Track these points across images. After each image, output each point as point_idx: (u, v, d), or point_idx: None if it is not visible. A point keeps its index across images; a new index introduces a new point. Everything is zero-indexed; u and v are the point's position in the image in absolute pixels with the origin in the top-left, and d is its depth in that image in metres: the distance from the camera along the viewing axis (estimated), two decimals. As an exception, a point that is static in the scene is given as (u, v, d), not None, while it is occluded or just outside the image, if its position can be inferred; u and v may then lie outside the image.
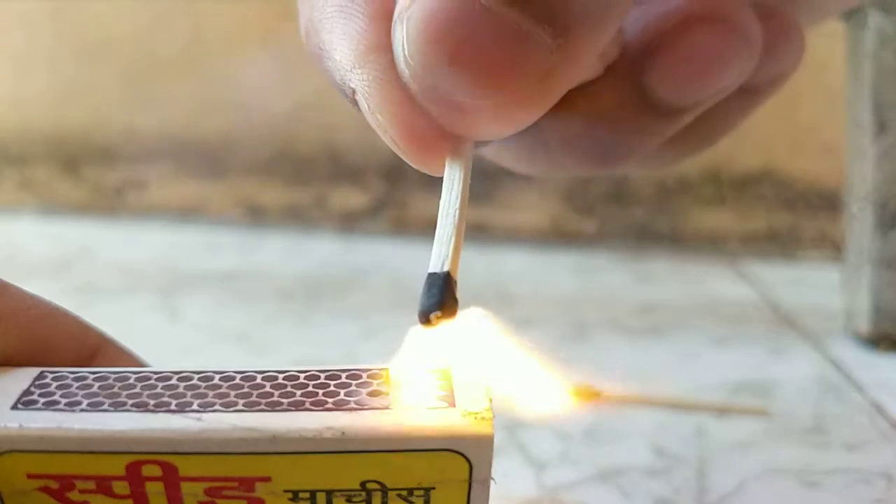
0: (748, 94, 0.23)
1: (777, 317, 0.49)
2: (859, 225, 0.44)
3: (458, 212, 0.18)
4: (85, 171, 0.69)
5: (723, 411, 0.36)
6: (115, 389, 0.17)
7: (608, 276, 0.57)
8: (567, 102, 0.21)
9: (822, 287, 0.52)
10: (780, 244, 0.61)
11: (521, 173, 0.27)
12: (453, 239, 0.17)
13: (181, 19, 0.66)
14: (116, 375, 0.17)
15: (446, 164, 0.18)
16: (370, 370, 0.17)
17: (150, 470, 0.16)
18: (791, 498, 0.30)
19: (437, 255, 0.17)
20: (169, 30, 0.66)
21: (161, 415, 0.16)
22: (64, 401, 0.16)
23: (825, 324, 0.46)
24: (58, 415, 0.16)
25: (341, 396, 0.16)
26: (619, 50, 0.22)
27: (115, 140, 0.68)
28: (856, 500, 0.30)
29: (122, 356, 0.20)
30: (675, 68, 0.21)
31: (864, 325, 0.44)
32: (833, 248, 0.58)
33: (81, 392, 0.17)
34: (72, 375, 0.17)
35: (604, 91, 0.22)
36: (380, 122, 0.18)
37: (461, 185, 0.18)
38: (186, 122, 0.67)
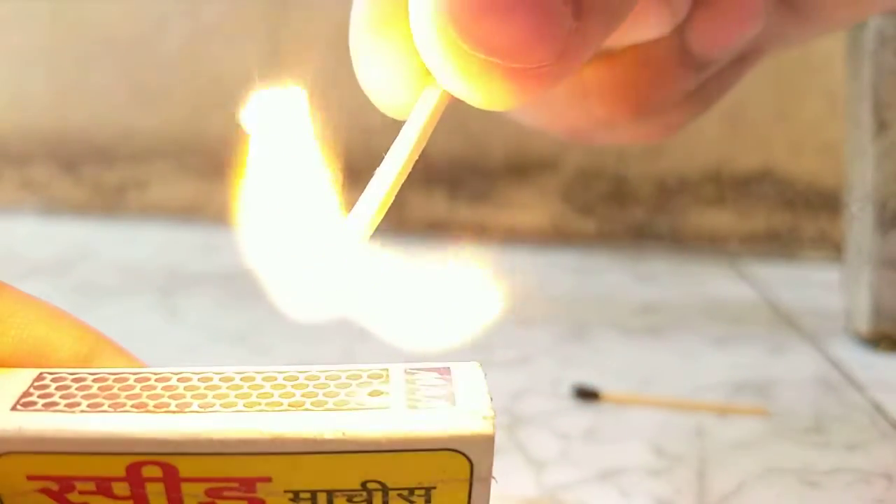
0: (738, 63, 0.27)
1: (777, 317, 0.49)
2: (859, 225, 0.44)
3: (399, 169, 0.18)
4: (85, 170, 0.69)
5: (723, 411, 0.36)
6: (115, 390, 0.17)
7: (608, 276, 0.57)
8: (614, 51, 0.24)
9: (822, 287, 0.52)
10: (780, 244, 0.61)
11: (537, 128, 0.28)
12: (379, 202, 0.17)
13: (181, 19, 0.66)
14: (115, 376, 0.17)
15: (415, 109, 0.18)
16: (370, 370, 0.17)
17: (150, 471, 0.16)
18: (791, 498, 0.30)
19: (359, 215, 0.17)
20: (169, 30, 0.66)
21: (161, 415, 0.16)
22: (63, 402, 0.16)
23: (825, 324, 0.46)
24: (57, 416, 0.16)
25: (341, 396, 0.16)
26: (686, 13, 0.25)
27: (115, 140, 0.68)
28: (856, 500, 0.30)
29: (120, 357, 0.20)
30: (713, 21, 0.25)
31: (864, 325, 0.44)
32: (833, 248, 0.58)
33: (81, 393, 0.16)
34: (71, 376, 0.17)
35: (650, 43, 0.25)
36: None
37: (415, 142, 0.18)
38: (186, 122, 0.67)
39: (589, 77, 0.26)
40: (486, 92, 0.17)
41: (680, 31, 0.25)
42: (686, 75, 0.26)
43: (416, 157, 0.18)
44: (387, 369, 0.17)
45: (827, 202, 0.60)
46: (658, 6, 0.24)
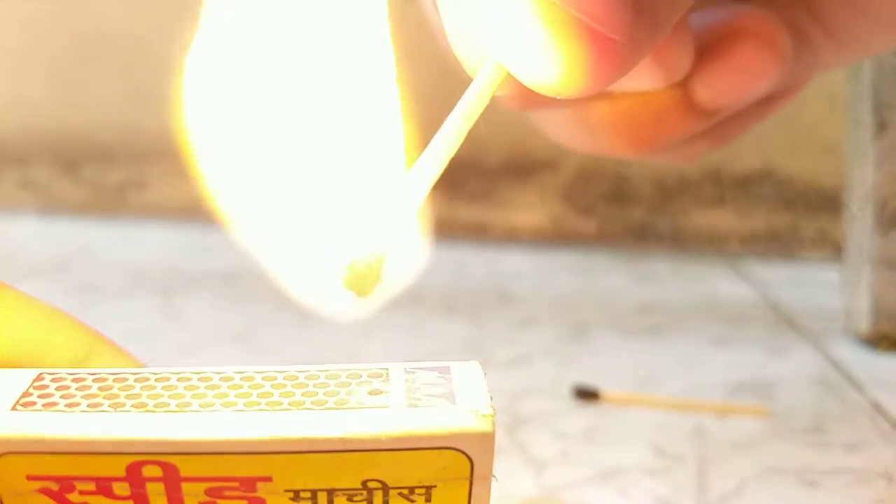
0: (766, 101, 0.26)
1: (777, 317, 0.49)
2: (859, 225, 0.44)
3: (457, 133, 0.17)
4: (85, 171, 0.69)
5: (723, 411, 0.36)
6: (115, 390, 0.17)
7: (608, 276, 0.57)
8: (616, 91, 0.24)
9: (822, 287, 0.52)
10: (780, 244, 0.61)
11: (557, 143, 0.29)
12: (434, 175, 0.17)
13: (181, 19, 0.66)
14: (115, 376, 0.17)
15: (479, 75, 0.18)
16: (370, 369, 0.17)
17: (150, 471, 0.16)
18: (791, 498, 0.30)
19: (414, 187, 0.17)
20: (169, 30, 0.66)
21: (161, 415, 0.16)
22: (63, 402, 0.16)
23: (825, 324, 0.46)
24: (57, 416, 0.16)
25: (341, 395, 0.16)
26: (686, 71, 0.24)
27: (115, 140, 0.68)
28: (856, 500, 0.30)
29: (119, 357, 0.20)
30: (719, 77, 0.24)
31: (863, 325, 0.44)
32: (833, 248, 0.58)
33: (80, 393, 0.16)
34: (70, 377, 0.17)
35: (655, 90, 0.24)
36: None
37: (474, 105, 0.18)
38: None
39: (593, 111, 0.25)
40: (563, 59, 0.17)
41: (684, 79, 0.24)
42: (690, 121, 0.25)
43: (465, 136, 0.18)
44: (386, 368, 0.17)
45: (827, 202, 0.60)
46: (651, 63, 0.23)
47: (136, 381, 0.17)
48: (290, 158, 0.18)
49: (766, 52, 0.24)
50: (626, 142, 0.26)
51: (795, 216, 0.61)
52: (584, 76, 0.17)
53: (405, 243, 0.17)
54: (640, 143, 0.26)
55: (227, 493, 0.16)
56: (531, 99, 0.21)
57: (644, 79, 0.23)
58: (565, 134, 0.27)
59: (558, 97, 0.18)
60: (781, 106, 0.27)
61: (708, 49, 0.24)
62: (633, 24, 0.17)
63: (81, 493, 0.16)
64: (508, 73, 0.18)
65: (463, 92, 0.18)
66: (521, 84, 0.18)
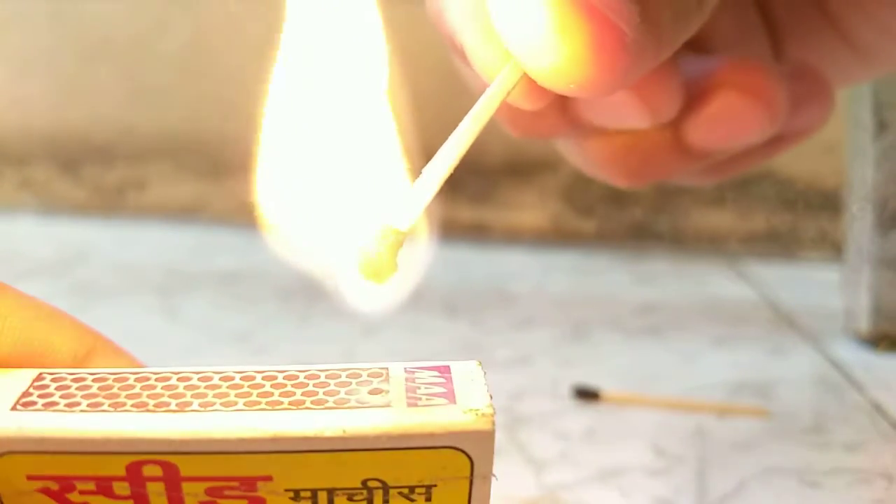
0: (774, 142, 0.26)
1: (777, 317, 0.49)
2: (859, 225, 0.44)
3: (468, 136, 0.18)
4: (84, 170, 0.69)
5: (723, 411, 0.36)
6: (115, 390, 0.17)
7: (608, 276, 0.57)
8: (610, 128, 0.24)
9: (822, 287, 0.52)
10: (780, 244, 0.61)
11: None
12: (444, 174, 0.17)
13: (181, 19, 0.66)
14: (115, 376, 0.17)
15: (497, 78, 0.18)
16: (370, 369, 0.17)
17: (150, 470, 0.16)
18: (791, 498, 0.30)
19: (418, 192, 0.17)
20: (169, 30, 0.66)
21: (161, 415, 0.16)
22: (63, 402, 0.16)
23: (825, 324, 0.46)
24: (57, 416, 0.16)
25: (342, 395, 0.16)
26: (673, 113, 0.24)
27: (114, 140, 0.68)
28: (856, 500, 0.30)
29: (119, 357, 0.20)
30: (706, 124, 0.24)
31: (864, 325, 0.44)
32: (833, 248, 0.58)
33: (80, 393, 0.16)
34: (70, 376, 0.17)
35: (646, 130, 0.24)
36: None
37: (489, 105, 0.18)
38: (186, 122, 0.67)
39: (590, 146, 0.26)
40: (569, 40, 0.18)
41: (674, 121, 0.24)
42: (683, 161, 0.25)
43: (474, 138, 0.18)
44: (386, 368, 0.17)
45: (827, 202, 0.60)
46: (634, 102, 0.23)
47: (136, 380, 0.17)
48: (310, 152, 0.19)
49: (752, 106, 0.24)
50: (621, 176, 0.26)
51: (795, 216, 0.61)
52: (588, 63, 0.18)
53: (415, 236, 0.18)
54: (634, 178, 0.26)
55: (227, 492, 0.16)
56: (534, 123, 0.22)
57: (631, 117, 0.23)
58: (571, 156, 0.28)
59: (565, 91, 0.18)
60: (791, 147, 0.27)
61: (698, 97, 0.24)
62: (638, 25, 0.18)
63: (81, 492, 0.16)
64: (521, 79, 0.18)
65: (463, 93, 0.18)
66: (530, 95, 0.19)
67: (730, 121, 0.24)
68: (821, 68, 0.26)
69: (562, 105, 0.23)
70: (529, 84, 0.19)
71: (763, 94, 0.24)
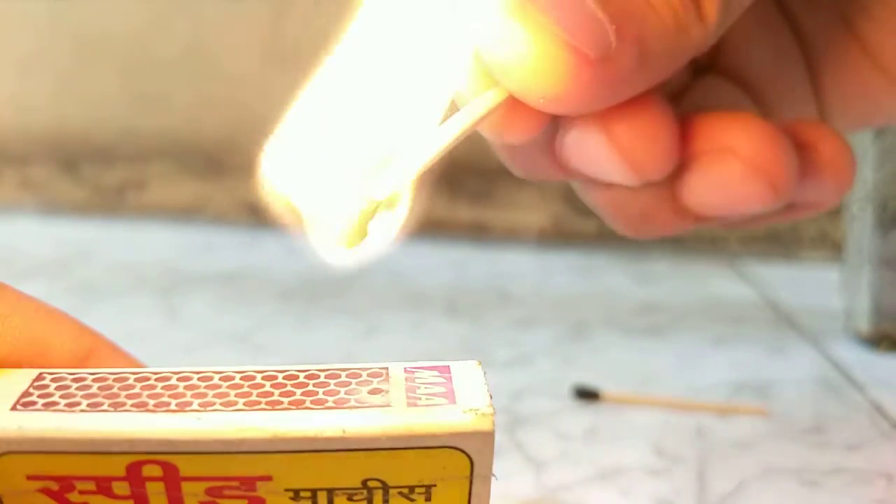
0: (784, 211, 0.24)
1: (777, 317, 0.49)
2: (859, 225, 0.44)
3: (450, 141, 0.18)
4: (85, 171, 0.69)
5: (723, 411, 0.36)
6: (115, 390, 0.17)
7: (608, 276, 0.57)
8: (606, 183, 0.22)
9: (822, 287, 0.52)
10: (780, 244, 0.61)
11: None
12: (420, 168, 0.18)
13: (181, 19, 0.66)
14: (115, 376, 0.17)
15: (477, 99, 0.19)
16: (370, 369, 0.17)
17: (150, 470, 0.16)
18: (791, 498, 0.30)
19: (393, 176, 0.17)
20: (169, 30, 0.66)
21: (161, 415, 0.16)
22: (63, 402, 0.16)
23: (825, 324, 0.46)
24: (57, 416, 0.16)
25: (341, 395, 0.16)
26: (663, 172, 0.22)
27: (114, 140, 0.68)
28: (856, 500, 0.30)
29: (118, 358, 0.20)
30: (704, 190, 0.22)
31: (864, 325, 0.44)
32: (833, 248, 0.58)
33: (80, 393, 0.16)
34: (70, 376, 0.17)
35: (641, 188, 0.23)
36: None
37: (472, 121, 0.18)
38: (186, 122, 0.67)
39: (592, 194, 0.24)
40: (542, 68, 0.18)
41: (671, 179, 0.22)
42: (681, 222, 0.24)
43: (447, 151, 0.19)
44: (386, 368, 0.17)
45: (827, 202, 0.60)
46: (615, 158, 0.21)
47: (136, 380, 0.17)
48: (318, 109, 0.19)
49: (754, 181, 0.22)
50: (621, 227, 0.25)
51: (795, 216, 0.61)
52: (554, 76, 0.18)
53: (393, 208, 0.18)
54: (636, 232, 0.24)
55: (227, 492, 0.16)
56: (530, 164, 0.22)
57: (614, 173, 0.21)
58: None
59: (537, 105, 0.18)
60: (808, 215, 0.25)
61: (697, 159, 0.22)
62: (613, 45, 0.18)
63: (81, 492, 0.16)
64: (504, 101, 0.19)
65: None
66: (511, 123, 0.19)
67: (729, 191, 0.22)
68: (857, 102, 0.25)
69: (549, 149, 0.22)
70: (510, 107, 0.19)
71: (769, 169, 0.21)
